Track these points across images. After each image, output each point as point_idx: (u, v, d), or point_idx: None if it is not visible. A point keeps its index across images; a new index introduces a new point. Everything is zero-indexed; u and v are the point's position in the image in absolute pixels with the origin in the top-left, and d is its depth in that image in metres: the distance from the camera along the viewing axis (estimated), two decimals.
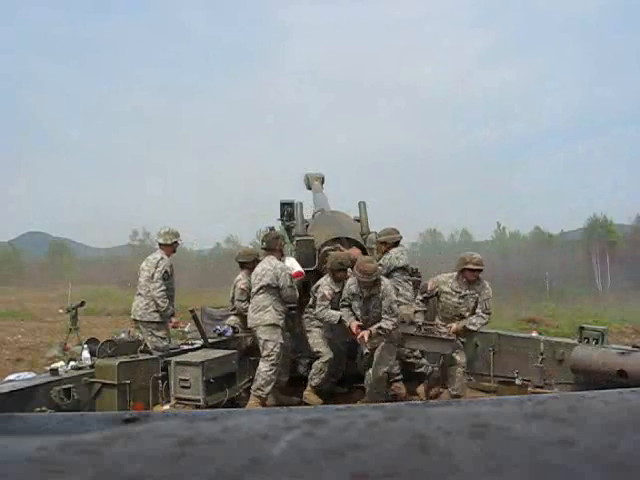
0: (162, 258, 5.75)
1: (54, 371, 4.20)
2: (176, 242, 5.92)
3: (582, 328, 5.17)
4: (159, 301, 5.57)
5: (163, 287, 5.61)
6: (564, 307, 22.40)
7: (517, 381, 5.38)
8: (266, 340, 5.39)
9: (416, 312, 5.55)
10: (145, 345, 5.05)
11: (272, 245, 5.81)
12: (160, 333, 5.62)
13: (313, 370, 5.73)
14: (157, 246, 5.95)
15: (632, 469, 0.35)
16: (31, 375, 4.70)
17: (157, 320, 5.62)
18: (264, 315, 5.46)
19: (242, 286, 6.24)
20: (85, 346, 4.82)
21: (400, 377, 5.88)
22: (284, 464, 0.36)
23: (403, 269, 6.08)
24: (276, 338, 5.42)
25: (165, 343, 5.59)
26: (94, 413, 0.55)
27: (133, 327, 5.91)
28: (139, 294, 5.73)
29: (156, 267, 5.66)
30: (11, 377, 4.69)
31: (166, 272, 5.68)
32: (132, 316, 5.79)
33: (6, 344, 10.33)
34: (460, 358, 5.28)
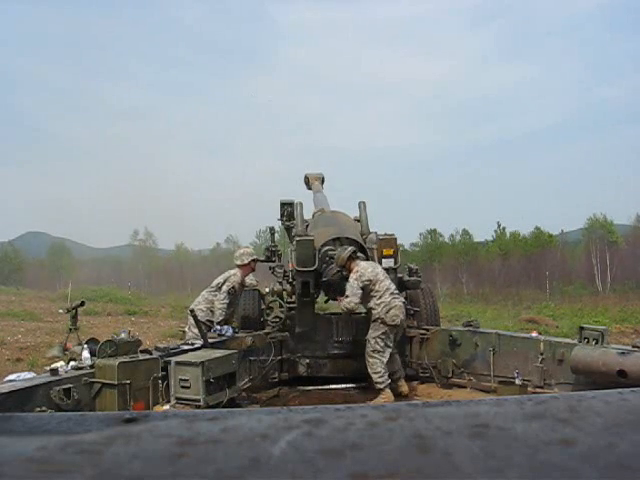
0: (235, 274, 6.13)
1: (54, 371, 4.18)
2: (253, 260, 6.30)
3: (582, 328, 5.15)
4: (217, 312, 5.89)
5: (226, 300, 5.95)
6: (564, 307, 22.38)
7: (517, 381, 5.36)
8: None
9: None
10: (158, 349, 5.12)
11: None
12: (196, 330, 5.46)
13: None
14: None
15: (632, 469, 0.35)
16: (31, 375, 4.68)
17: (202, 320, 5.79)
18: None
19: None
20: (85, 346, 4.80)
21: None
22: (284, 464, 0.36)
23: None
24: None
25: (196, 342, 5.36)
26: (94, 413, 0.55)
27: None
28: (208, 291, 6.13)
29: (225, 280, 6.06)
30: (11, 377, 4.67)
31: (233, 287, 6.03)
32: (191, 306, 6.05)
33: (6, 344, 10.30)
34: None
